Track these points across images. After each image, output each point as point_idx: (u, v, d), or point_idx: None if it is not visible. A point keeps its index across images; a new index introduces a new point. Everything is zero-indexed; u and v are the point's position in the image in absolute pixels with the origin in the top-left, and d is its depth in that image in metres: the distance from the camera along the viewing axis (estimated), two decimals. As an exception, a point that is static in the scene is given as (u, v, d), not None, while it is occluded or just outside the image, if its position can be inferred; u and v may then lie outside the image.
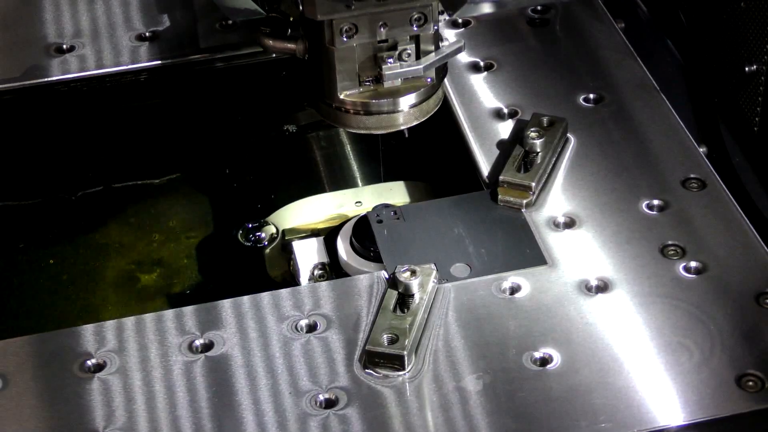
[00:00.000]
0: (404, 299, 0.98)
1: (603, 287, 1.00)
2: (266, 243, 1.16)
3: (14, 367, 0.96)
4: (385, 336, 0.95)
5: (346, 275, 1.08)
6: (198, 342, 0.97)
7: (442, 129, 1.18)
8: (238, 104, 1.33)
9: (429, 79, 1.04)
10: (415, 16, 1.00)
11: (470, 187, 1.13)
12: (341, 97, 1.03)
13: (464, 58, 1.25)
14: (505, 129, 1.17)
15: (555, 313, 0.98)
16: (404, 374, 0.94)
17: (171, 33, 1.29)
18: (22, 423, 0.92)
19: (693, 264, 1.02)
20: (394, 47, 1.01)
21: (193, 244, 1.26)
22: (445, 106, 1.15)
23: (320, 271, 1.12)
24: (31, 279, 1.24)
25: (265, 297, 1.01)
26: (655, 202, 1.08)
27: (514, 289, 1.01)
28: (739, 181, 1.20)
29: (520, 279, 1.01)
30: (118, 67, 1.25)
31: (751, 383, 0.92)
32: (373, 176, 1.27)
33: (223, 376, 0.95)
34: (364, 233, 1.08)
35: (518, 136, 1.12)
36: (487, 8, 1.31)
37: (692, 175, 1.10)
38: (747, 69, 1.21)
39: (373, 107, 1.04)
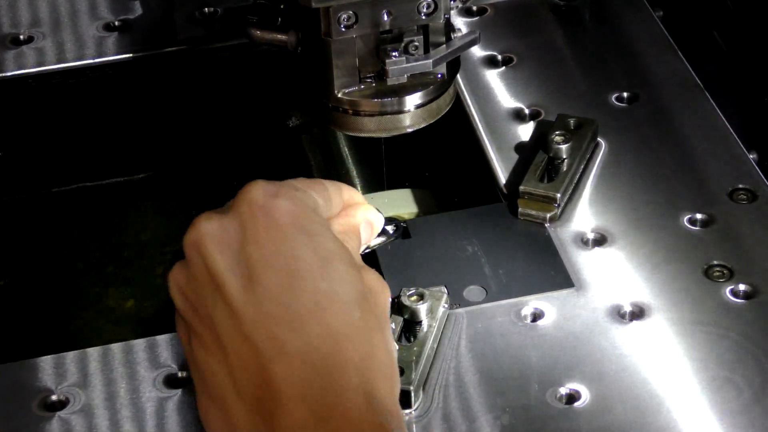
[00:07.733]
0: (411, 326, 0.97)
1: (638, 313, 1.00)
2: None
3: (-35, 404, 0.96)
4: (388, 369, 0.95)
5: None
6: (174, 375, 0.97)
7: (454, 131, 1.19)
8: (219, 102, 1.33)
9: (439, 75, 1.04)
10: (424, 3, 1.00)
11: (486, 198, 1.13)
12: (338, 95, 1.03)
13: (479, 51, 1.25)
14: (525, 132, 1.17)
15: (584, 343, 0.98)
16: (411, 412, 0.93)
17: (144, 22, 1.29)
18: (-27, 469, 0.92)
19: (742, 287, 1.01)
20: (399, 39, 1.01)
21: (169, 261, 1.26)
22: (458, 105, 1.15)
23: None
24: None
25: (252, 323, 1.01)
26: (699, 216, 1.08)
27: (536, 316, 1.00)
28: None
29: (544, 304, 1.01)
30: (82, 61, 1.25)
31: (808, 425, 0.92)
32: (376, 184, 1.27)
33: (202, 415, 0.95)
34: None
35: (541, 140, 1.13)
36: (505, -7, 1.31)
37: (741, 186, 1.10)
38: (803, 64, 1.21)
39: (375, 107, 1.04)
